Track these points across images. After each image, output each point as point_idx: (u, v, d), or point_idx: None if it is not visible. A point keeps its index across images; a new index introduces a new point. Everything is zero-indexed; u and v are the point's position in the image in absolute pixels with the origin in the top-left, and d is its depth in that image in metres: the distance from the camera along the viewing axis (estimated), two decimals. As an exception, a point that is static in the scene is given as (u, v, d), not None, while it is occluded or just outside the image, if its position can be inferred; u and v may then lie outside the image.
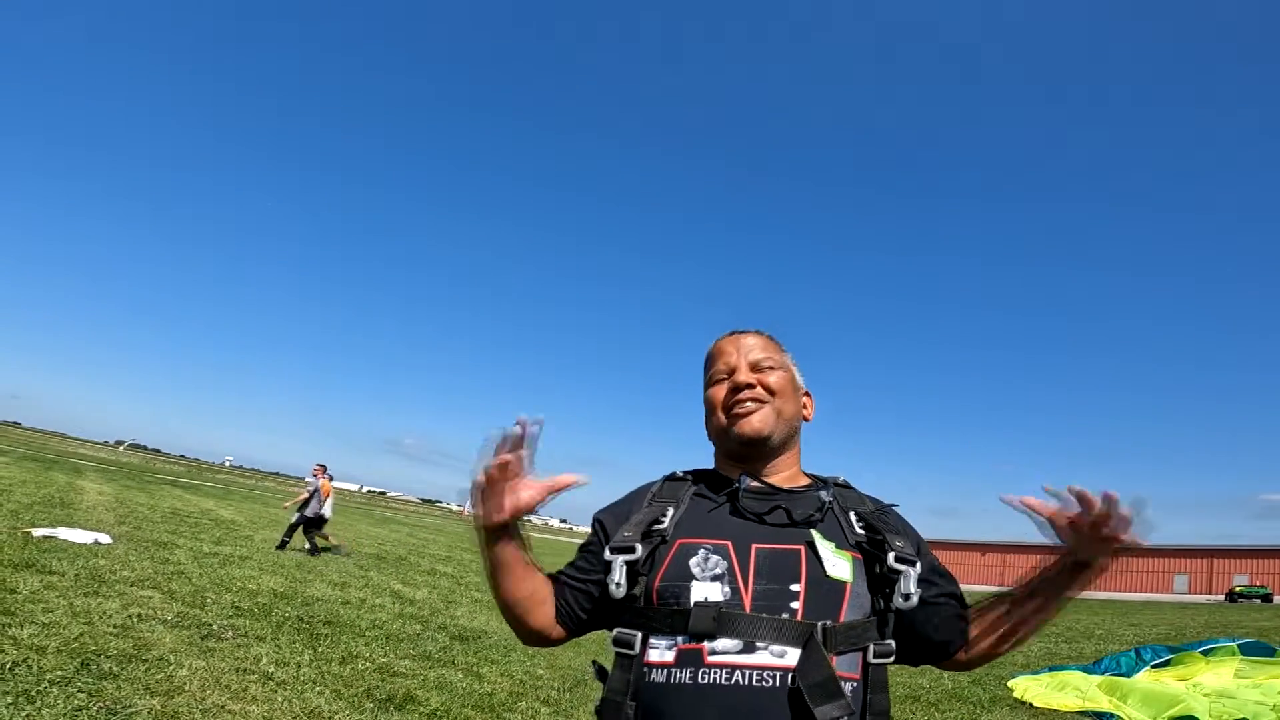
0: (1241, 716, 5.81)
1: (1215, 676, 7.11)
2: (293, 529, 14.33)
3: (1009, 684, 7.58)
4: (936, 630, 1.21)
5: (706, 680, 1.01)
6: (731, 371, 1.29)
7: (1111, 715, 6.06)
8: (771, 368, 1.29)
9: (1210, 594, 52.31)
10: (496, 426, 1.18)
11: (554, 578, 1.33)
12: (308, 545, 14.26)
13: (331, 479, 15.50)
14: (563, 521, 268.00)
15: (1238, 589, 45.15)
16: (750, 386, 1.26)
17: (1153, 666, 7.54)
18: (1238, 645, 7.73)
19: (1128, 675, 7.33)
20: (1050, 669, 8.36)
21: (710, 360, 1.35)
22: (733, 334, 1.36)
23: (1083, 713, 6.28)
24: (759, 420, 1.23)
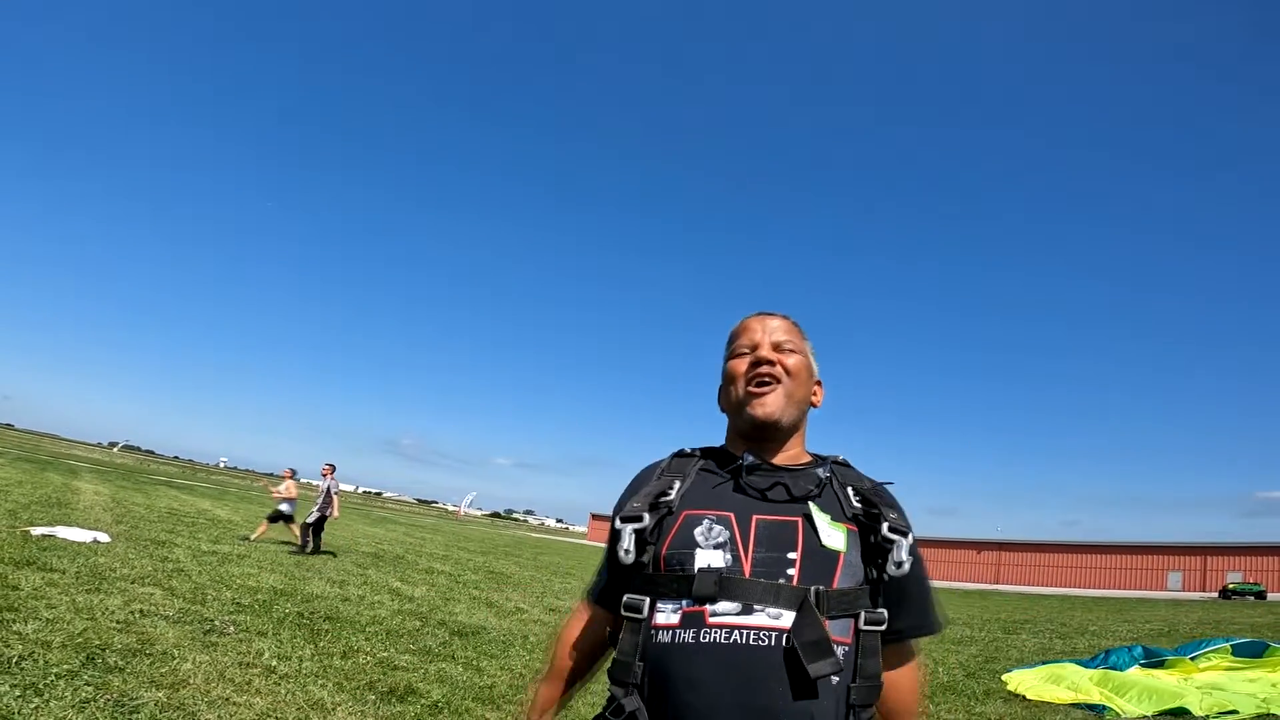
0: (1232, 708, 5.90)
1: (1207, 674, 7.20)
2: (306, 530, 14.31)
3: (1003, 678, 7.67)
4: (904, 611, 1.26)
5: (708, 639, 1.08)
6: (754, 348, 1.35)
7: (1104, 707, 6.15)
8: (792, 350, 1.35)
9: (1204, 591, 52.49)
10: None
11: (594, 591, 1.42)
12: (301, 542, 14.29)
13: (295, 473, 15.80)
14: (559, 521, 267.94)
15: (1231, 586, 45.26)
16: (770, 364, 1.32)
17: (1143, 665, 7.63)
18: (1231, 646, 7.80)
19: (1121, 670, 7.41)
20: (1045, 663, 8.44)
21: (735, 335, 1.41)
22: (760, 314, 1.42)
23: (1075, 705, 6.37)
24: (772, 404, 1.30)
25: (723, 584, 1.10)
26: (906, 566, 1.15)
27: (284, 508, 15.10)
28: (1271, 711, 5.84)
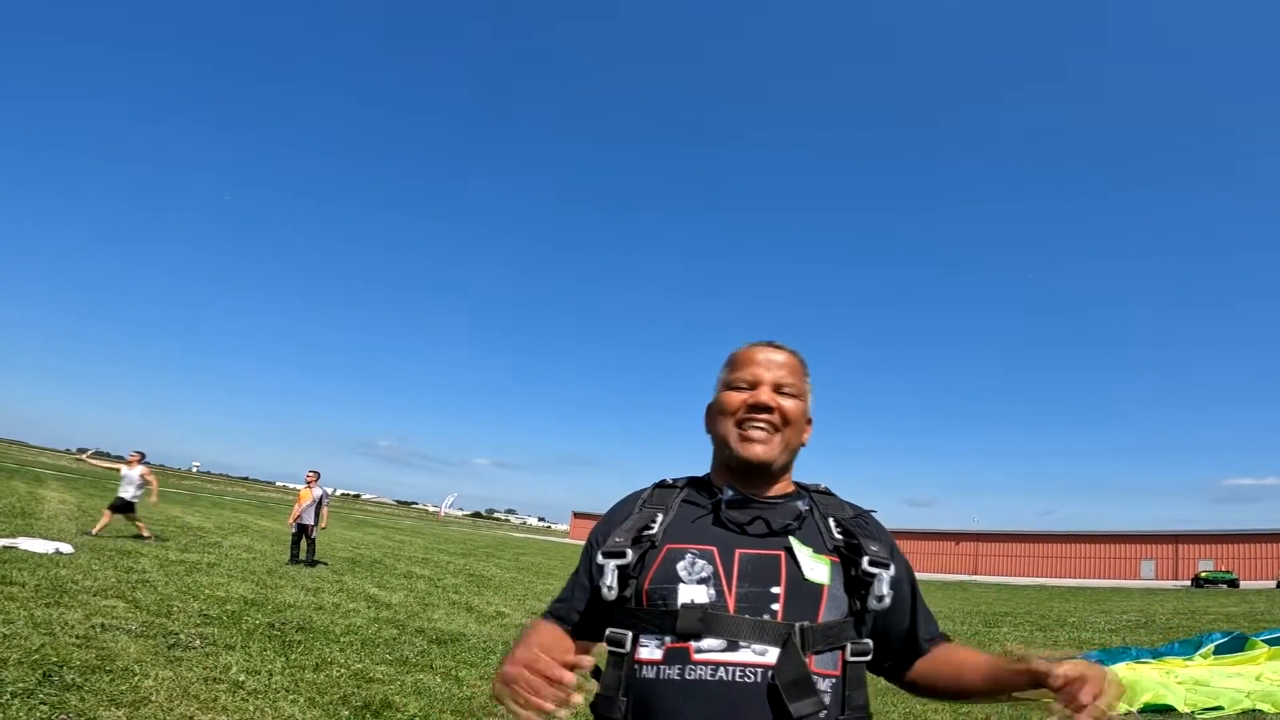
0: (1216, 704, 5.90)
1: (1191, 669, 7.21)
2: (296, 541, 13.89)
3: None
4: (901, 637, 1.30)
5: (693, 676, 1.07)
6: (754, 384, 1.30)
7: None
8: (792, 395, 1.30)
9: (1176, 579, 53.48)
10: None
11: (560, 615, 1.33)
12: (142, 532, 13.70)
13: (137, 459, 14.09)
14: (541, 520, 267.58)
15: (1204, 574, 46.12)
16: (769, 410, 1.27)
17: (1132, 661, 7.63)
18: (1214, 647, 7.83)
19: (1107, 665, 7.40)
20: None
21: (735, 363, 1.35)
22: (766, 346, 1.35)
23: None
24: (764, 450, 1.26)
25: (707, 620, 1.10)
26: (888, 601, 1.17)
27: (128, 494, 13.68)
28: (1257, 707, 5.84)
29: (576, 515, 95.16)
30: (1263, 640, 7.77)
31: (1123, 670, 6.99)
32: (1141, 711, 5.91)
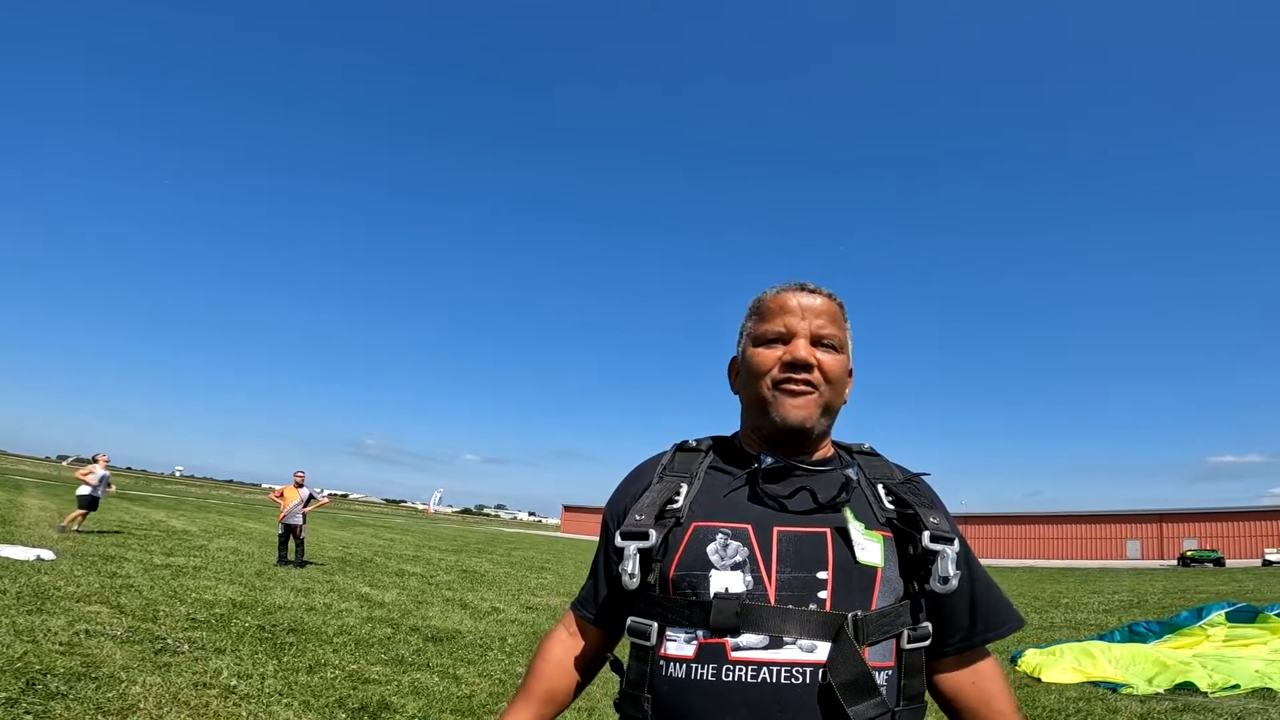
0: (1234, 682, 5.87)
1: (1209, 644, 7.20)
2: (284, 542, 13.63)
3: (1020, 658, 7.45)
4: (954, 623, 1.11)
5: (731, 677, 0.93)
6: (789, 336, 1.09)
7: (1118, 685, 6.07)
8: (833, 347, 1.10)
9: (1162, 559, 54.12)
10: None
11: (583, 606, 1.23)
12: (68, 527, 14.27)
13: (105, 459, 15.22)
14: (531, 514, 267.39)
15: (1190, 553, 46.66)
16: (808, 368, 1.07)
17: (1156, 639, 7.61)
18: (1225, 613, 7.81)
19: (1132, 644, 7.38)
20: (1054, 643, 8.36)
21: (765, 311, 1.13)
22: (799, 289, 1.12)
23: (1092, 683, 6.27)
24: (803, 414, 1.07)
25: (745, 613, 0.95)
26: (954, 583, 0.97)
27: (96, 492, 14.59)
28: (1268, 685, 5.83)
29: (567, 509, 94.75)
30: (1275, 614, 7.75)
31: (1147, 650, 6.94)
32: (1168, 691, 5.88)
